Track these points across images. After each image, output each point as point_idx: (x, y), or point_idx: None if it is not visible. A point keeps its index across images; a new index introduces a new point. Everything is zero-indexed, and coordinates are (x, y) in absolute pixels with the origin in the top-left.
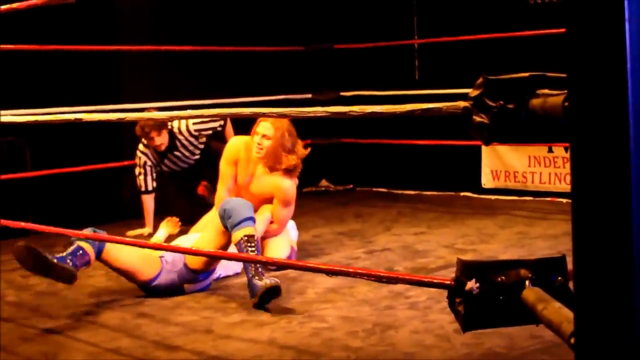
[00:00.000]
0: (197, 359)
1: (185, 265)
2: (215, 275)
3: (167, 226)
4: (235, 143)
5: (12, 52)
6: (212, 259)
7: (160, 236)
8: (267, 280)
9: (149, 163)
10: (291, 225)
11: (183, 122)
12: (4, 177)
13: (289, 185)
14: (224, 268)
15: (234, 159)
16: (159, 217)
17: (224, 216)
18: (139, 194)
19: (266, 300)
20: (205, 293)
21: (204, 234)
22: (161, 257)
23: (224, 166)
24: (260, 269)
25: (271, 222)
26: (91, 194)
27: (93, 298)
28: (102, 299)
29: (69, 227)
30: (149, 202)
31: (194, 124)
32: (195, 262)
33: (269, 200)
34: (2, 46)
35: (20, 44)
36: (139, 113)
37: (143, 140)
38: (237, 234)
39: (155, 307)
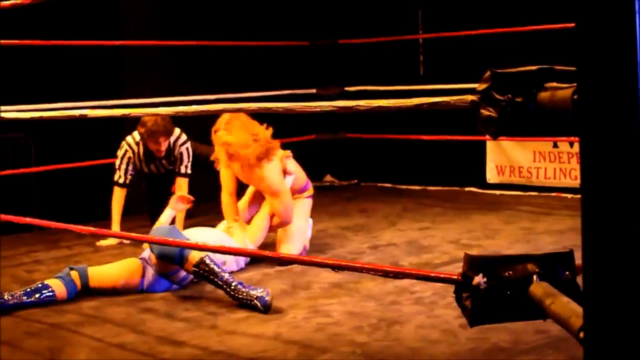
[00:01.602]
0: (202, 354)
1: (150, 262)
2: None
3: (175, 206)
4: None
5: (16, 48)
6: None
7: (167, 216)
8: (260, 298)
9: (132, 159)
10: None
11: (185, 136)
12: (8, 172)
13: (267, 177)
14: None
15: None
16: (133, 217)
17: (161, 259)
18: (113, 184)
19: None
20: (210, 288)
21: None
22: (140, 258)
23: (222, 170)
24: (233, 285)
25: (273, 216)
26: (95, 190)
27: (98, 293)
28: (107, 294)
29: (74, 223)
30: (121, 195)
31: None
32: (154, 260)
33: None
34: (6, 42)
35: (24, 40)
36: (143, 108)
37: (135, 136)
38: (187, 268)
39: (160, 302)
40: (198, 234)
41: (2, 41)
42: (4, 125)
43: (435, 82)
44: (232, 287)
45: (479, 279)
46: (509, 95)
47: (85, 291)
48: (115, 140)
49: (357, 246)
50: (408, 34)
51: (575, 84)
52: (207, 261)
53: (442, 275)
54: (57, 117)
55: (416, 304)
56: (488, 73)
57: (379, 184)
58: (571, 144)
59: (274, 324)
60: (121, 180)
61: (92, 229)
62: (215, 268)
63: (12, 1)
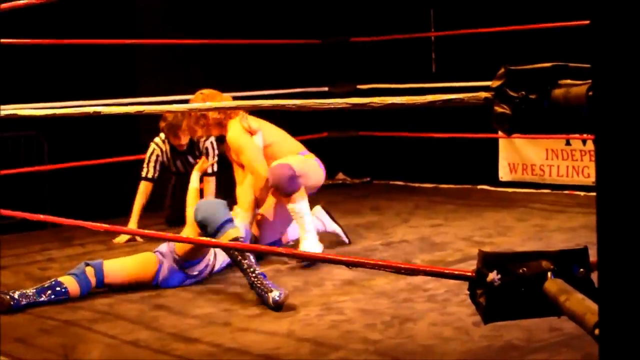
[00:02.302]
0: (215, 351)
1: (174, 252)
2: (220, 265)
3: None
4: None
5: (30, 46)
6: (198, 247)
7: (195, 183)
8: (274, 296)
9: (160, 157)
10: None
11: None
12: (21, 170)
13: (229, 138)
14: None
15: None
16: (150, 214)
17: (200, 226)
18: (139, 179)
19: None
20: (223, 285)
21: (187, 228)
22: (156, 251)
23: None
24: (257, 272)
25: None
26: (109, 188)
27: (111, 290)
28: (119, 291)
29: (86, 220)
30: (146, 190)
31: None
32: (181, 250)
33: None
34: (20, 40)
35: (37, 38)
36: (157, 106)
37: (161, 135)
38: (222, 240)
39: (173, 300)
40: None
41: (15, 40)
42: (17, 123)
43: (447, 80)
44: (255, 275)
45: (493, 275)
46: (523, 92)
47: (100, 287)
48: (128, 138)
49: (370, 243)
50: (420, 31)
51: (589, 81)
52: (242, 241)
53: (456, 272)
54: (71, 114)
55: (429, 302)
56: (502, 70)
57: (391, 182)
58: (584, 142)
59: (286, 321)
60: (150, 175)
61: (105, 226)
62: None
63: (27, 0)
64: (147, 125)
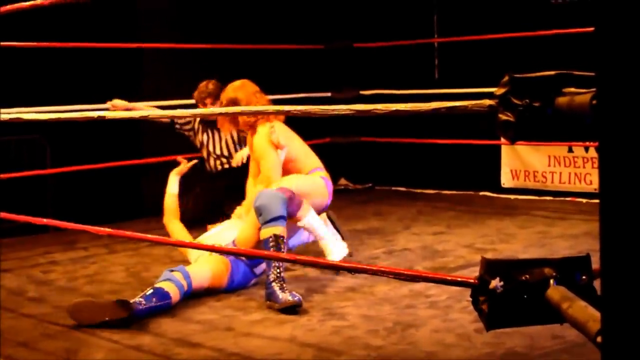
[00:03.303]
0: (217, 356)
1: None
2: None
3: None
4: None
5: (33, 49)
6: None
7: (174, 188)
8: (289, 296)
9: (192, 120)
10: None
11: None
12: (24, 173)
13: (255, 140)
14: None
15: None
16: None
17: (256, 212)
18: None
19: (283, 312)
20: (225, 293)
21: (244, 226)
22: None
23: None
24: (282, 274)
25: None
26: (111, 192)
27: (114, 295)
28: (122, 296)
29: (90, 224)
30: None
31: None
32: (245, 247)
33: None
34: (24, 44)
35: (42, 41)
36: (161, 111)
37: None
38: (266, 232)
39: (176, 306)
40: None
41: (18, 43)
42: (20, 126)
43: (449, 86)
44: (280, 273)
45: (495, 282)
46: (527, 100)
47: (188, 294)
48: (131, 143)
49: (372, 250)
50: (423, 37)
51: (593, 89)
52: (280, 240)
53: (459, 279)
54: (75, 118)
55: (431, 308)
56: (506, 78)
57: (394, 188)
58: (586, 149)
59: (289, 327)
60: (172, 119)
61: (108, 230)
62: (281, 251)
63: (33, 2)
64: (151, 130)
